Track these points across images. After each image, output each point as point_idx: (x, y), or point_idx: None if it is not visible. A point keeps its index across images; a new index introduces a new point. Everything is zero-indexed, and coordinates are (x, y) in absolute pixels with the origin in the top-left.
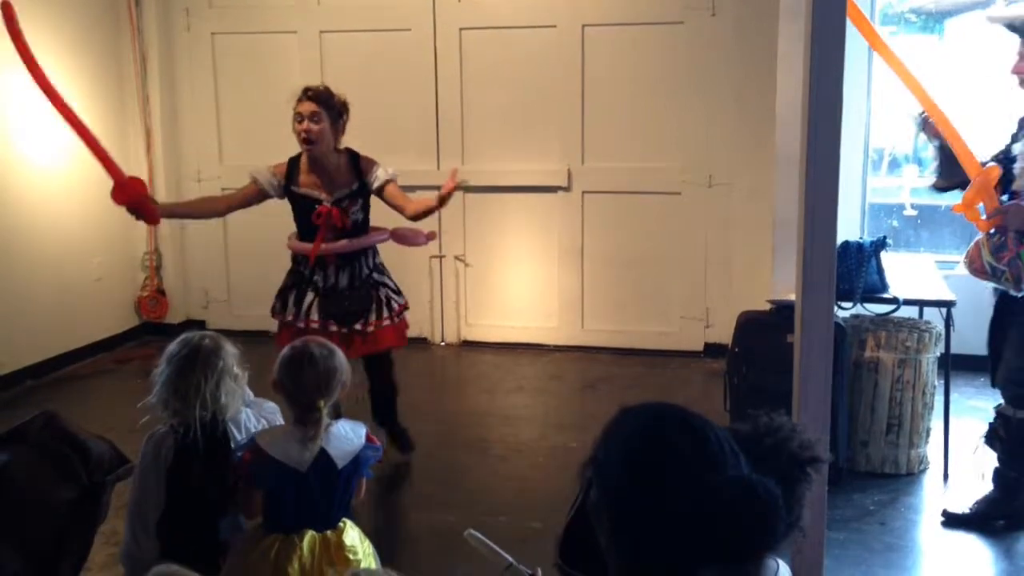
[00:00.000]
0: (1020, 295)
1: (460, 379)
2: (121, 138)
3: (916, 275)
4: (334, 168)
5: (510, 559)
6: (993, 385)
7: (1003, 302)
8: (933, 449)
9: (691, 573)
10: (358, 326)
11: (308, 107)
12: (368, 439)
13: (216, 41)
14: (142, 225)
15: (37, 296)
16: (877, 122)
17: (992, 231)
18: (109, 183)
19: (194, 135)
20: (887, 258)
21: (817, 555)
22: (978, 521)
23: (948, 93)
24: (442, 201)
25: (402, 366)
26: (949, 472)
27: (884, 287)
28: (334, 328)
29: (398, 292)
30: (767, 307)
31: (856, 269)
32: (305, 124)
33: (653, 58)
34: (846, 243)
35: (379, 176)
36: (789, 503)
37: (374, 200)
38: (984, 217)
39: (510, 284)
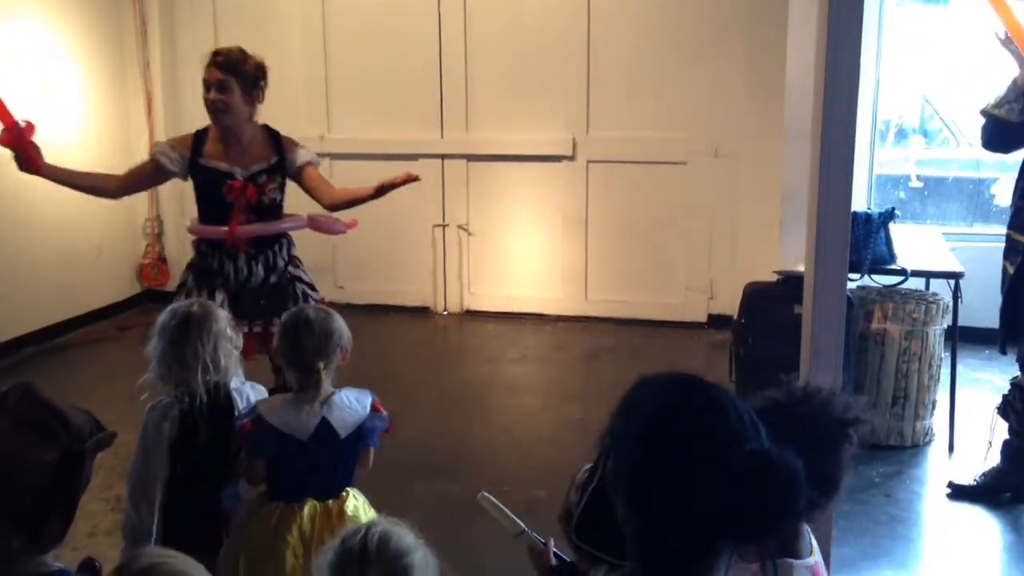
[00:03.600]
0: None
1: (462, 348)
2: (121, 103)
3: (923, 246)
4: (248, 141)
5: (523, 526)
6: (1002, 351)
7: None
8: (939, 421)
9: (709, 546)
10: (274, 327)
11: (215, 74)
12: (374, 408)
13: (218, 5)
14: (143, 192)
15: (38, 264)
16: (884, 92)
17: None
18: (111, 153)
19: (195, 100)
20: (894, 229)
21: (826, 525)
22: (984, 493)
23: (954, 63)
24: (378, 192)
25: (404, 335)
26: (955, 444)
27: (892, 258)
28: (246, 329)
29: (313, 288)
30: (773, 278)
31: (864, 240)
32: (212, 94)
33: (660, 25)
34: (854, 214)
35: (301, 156)
36: (828, 469)
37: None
38: None
39: (513, 254)
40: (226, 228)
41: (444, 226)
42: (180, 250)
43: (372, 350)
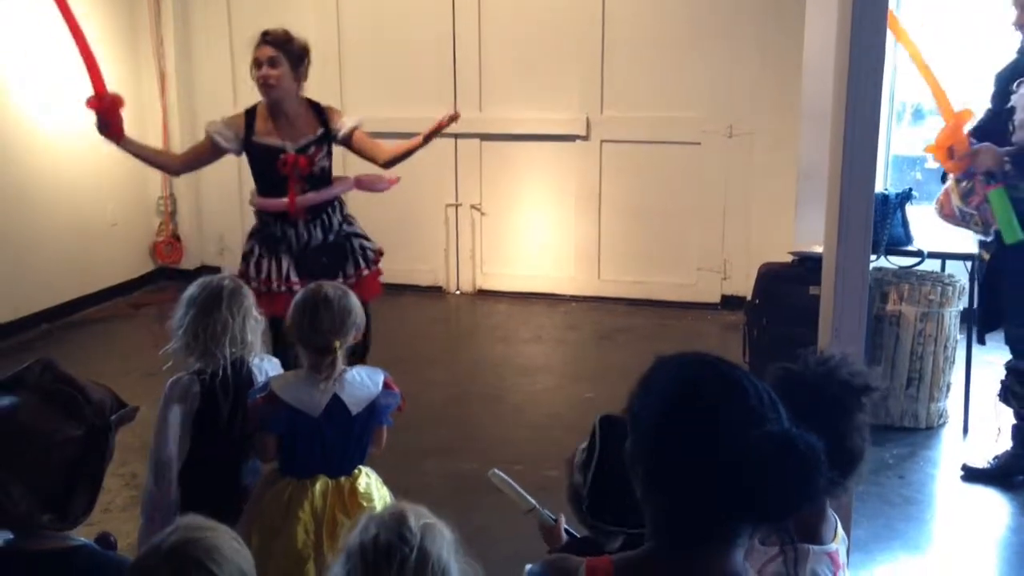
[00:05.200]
0: (989, 239)
1: (475, 328)
2: (135, 81)
3: (939, 228)
4: (295, 116)
5: (533, 502)
6: (980, 341)
7: (997, 257)
8: (953, 403)
9: (728, 527)
10: (339, 281)
11: (266, 52)
12: (386, 386)
13: None
14: (157, 171)
15: (53, 240)
16: (901, 73)
17: (961, 176)
18: (124, 130)
19: (208, 78)
20: (911, 210)
21: (846, 507)
22: (998, 476)
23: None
24: (427, 139)
25: (416, 314)
26: (969, 427)
27: (908, 239)
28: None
29: (368, 238)
30: (788, 259)
31: (881, 221)
32: (264, 70)
33: (674, 3)
34: None
35: (346, 122)
36: (845, 439)
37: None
38: (954, 159)
39: (526, 233)
40: (286, 200)
41: (457, 206)
42: (194, 228)
43: (384, 329)
